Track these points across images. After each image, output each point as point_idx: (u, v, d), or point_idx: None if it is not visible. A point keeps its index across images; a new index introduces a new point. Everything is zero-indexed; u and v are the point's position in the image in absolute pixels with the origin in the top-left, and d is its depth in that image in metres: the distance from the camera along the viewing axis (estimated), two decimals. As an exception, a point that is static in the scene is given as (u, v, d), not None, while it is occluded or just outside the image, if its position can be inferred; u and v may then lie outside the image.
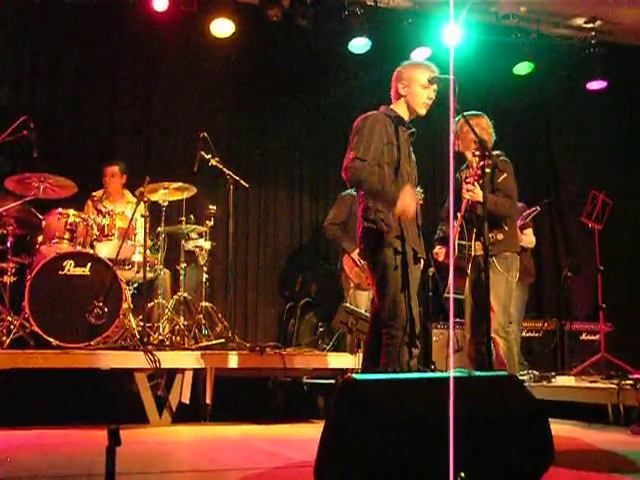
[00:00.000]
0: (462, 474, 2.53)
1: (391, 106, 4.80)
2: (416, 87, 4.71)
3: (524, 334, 8.13)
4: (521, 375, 6.44)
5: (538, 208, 7.41)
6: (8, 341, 5.87)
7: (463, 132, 5.51)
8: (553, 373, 6.92)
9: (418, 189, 7.19)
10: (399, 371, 4.19)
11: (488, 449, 2.64)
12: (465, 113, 5.11)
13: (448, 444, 2.56)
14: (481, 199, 4.83)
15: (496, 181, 5.48)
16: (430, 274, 7.98)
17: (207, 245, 7.23)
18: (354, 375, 2.82)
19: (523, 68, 9.15)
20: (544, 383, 6.57)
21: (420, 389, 2.77)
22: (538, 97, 9.71)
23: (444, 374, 3.40)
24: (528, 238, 7.51)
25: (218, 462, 4.00)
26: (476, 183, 5.21)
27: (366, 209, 4.62)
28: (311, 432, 4.69)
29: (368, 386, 2.69)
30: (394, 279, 4.44)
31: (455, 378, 2.77)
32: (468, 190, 5.29)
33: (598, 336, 8.09)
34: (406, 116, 4.76)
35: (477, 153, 4.83)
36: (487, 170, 4.80)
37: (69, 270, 6.07)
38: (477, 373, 2.76)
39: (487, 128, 5.63)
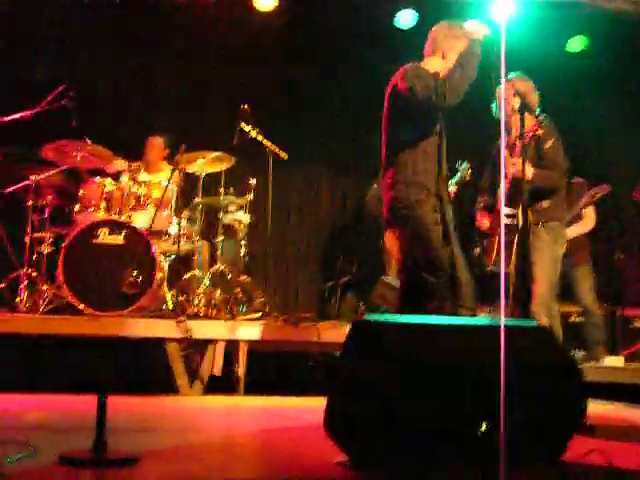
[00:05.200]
0: (484, 424, 2.37)
1: (421, 63, 4.72)
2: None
3: (573, 319, 7.82)
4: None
5: (607, 187, 6.98)
6: (43, 309, 5.90)
7: (507, 96, 5.28)
8: (597, 352, 6.65)
9: (464, 164, 7.03)
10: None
11: (512, 400, 2.46)
12: (509, 76, 4.95)
13: (467, 391, 2.40)
14: (527, 175, 4.68)
15: (543, 148, 5.24)
16: (477, 254, 7.72)
17: (246, 218, 7.10)
18: (367, 316, 2.68)
19: (576, 43, 8.84)
20: (591, 364, 6.32)
21: (440, 334, 2.61)
22: (592, 73, 9.34)
23: (468, 320, 3.22)
24: (588, 219, 7.17)
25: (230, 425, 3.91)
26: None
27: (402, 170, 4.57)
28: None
29: (383, 327, 2.53)
30: (436, 234, 4.51)
31: (480, 325, 2.61)
32: (514, 164, 5.09)
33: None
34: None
35: (521, 118, 4.63)
36: (538, 132, 4.68)
37: (103, 238, 6.02)
38: (506, 322, 2.56)
39: (532, 91, 5.35)
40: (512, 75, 5.19)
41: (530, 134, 5.02)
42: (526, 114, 4.72)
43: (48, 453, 2.63)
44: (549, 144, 5.23)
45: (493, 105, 5.37)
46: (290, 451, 3.17)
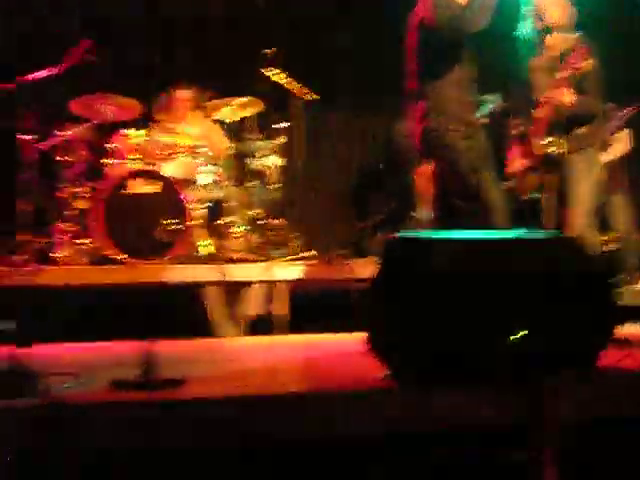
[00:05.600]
0: (518, 333, 2.41)
1: None
2: None
3: (610, 246, 7.76)
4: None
5: (632, 109, 6.87)
6: (83, 261, 6.02)
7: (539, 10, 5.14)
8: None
9: (494, 96, 6.97)
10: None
11: (542, 310, 2.50)
12: None
13: (500, 303, 2.44)
14: (569, 101, 4.65)
15: (579, 68, 5.03)
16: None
17: (278, 162, 7.13)
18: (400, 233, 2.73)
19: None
20: (628, 287, 6.31)
21: (471, 247, 2.65)
22: None
23: (497, 233, 3.26)
24: (619, 144, 7.08)
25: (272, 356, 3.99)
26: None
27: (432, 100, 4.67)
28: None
29: (415, 243, 2.58)
30: (467, 161, 4.64)
31: (507, 239, 2.65)
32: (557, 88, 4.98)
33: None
34: None
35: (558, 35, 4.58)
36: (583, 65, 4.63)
37: (136, 189, 6.12)
38: (532, 233, 2.60)
39: (567, 6, 5.15)
40: None
41: (577, 65, 4.88)
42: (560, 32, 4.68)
43: (100, 382, 2.74)
44: (586, 64, 5.01)
45: (524, 22, 5.21)
46: (332, 370, 3.26)
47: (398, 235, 2.77)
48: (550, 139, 5.09)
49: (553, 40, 4.90)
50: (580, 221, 5.10)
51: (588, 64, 5.00)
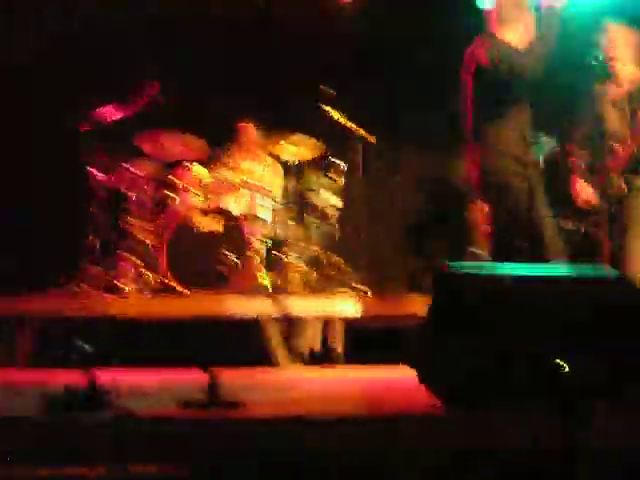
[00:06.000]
0: (563, 365, 2.51)
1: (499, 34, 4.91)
2: None
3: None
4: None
5: None
6: (148, 294, 6.25)
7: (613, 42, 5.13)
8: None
9: (547, 138, 7.07)
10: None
11: (590, 346, 2.61)
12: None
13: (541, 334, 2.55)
14: None
15: None
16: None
17: (337, 202, 7.30)
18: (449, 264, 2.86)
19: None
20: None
21: (521, 283, 2.77)
22: None
23: (549, 269, 3.35)
24: None
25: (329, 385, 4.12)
26: None
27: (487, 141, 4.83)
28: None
29: (464, 278, 2.71)
30: (522, 199, 4.80)
31: (552, 275, 2.75)
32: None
33: None
34: None
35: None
36: None
37: (201, 225, 6.34)
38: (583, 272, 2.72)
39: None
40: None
41: None
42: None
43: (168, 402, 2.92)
44: None
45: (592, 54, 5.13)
46: (386, 397, 3.38)
47: (449, 268, 2.87)
48: (625, 176, 5.06)
49: (624, 73, 4.97)
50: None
51: None
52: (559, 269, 3.07)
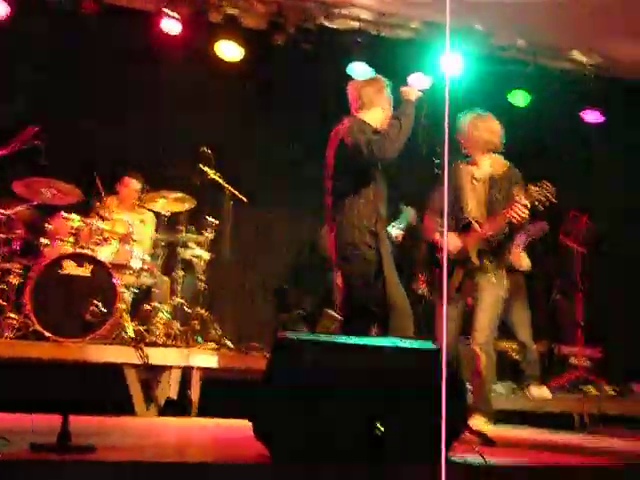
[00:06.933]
0: (379, 426, 2.84)
1: (362, 115, 5.33)
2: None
3: (512, 354, 8.24)
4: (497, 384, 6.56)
5: (546, 226, 7.49)
6: (10, 335, 6.26)
7: (471, 134, 5.55)
8: (527, 384, 7.11)
9: (409, 209, 7.61)
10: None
11: (402, 407, 2.97)
12: (472, 113, 5.45)
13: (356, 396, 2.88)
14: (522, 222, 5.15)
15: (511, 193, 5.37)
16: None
17: (205, 255, 7.55)
18: (288, 334, 3.16)
19: (519, 98, 9.37)
20: (519, 394, 6.82)
21: (348, 351, 3.11)
22: (534, 128, 9.75)
23: (375, 340, 3.69)
24: (524, 260, 7.65)
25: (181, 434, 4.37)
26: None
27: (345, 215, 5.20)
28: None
29: (300, 345, 3.03)
30: (373, 268, 5.18)
31: (384, 346, 3.10)
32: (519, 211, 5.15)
33: (586, 360, 8.28)
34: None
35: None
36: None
37: (69, 270, 6.45)
38: (404, 344, 3.10)
39: (497, 131, 5.59)
40: (475, 113, 5.59)
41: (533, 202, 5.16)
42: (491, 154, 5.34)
43: (19, 445, 3.09)
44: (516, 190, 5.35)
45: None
46: (231, 447, 3.67)
47: (285, 334, 3.20)
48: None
49: (480, 158, 5.45)
50: (483, 333, 5.29)
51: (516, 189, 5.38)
52: (385, 341, 3.42)
